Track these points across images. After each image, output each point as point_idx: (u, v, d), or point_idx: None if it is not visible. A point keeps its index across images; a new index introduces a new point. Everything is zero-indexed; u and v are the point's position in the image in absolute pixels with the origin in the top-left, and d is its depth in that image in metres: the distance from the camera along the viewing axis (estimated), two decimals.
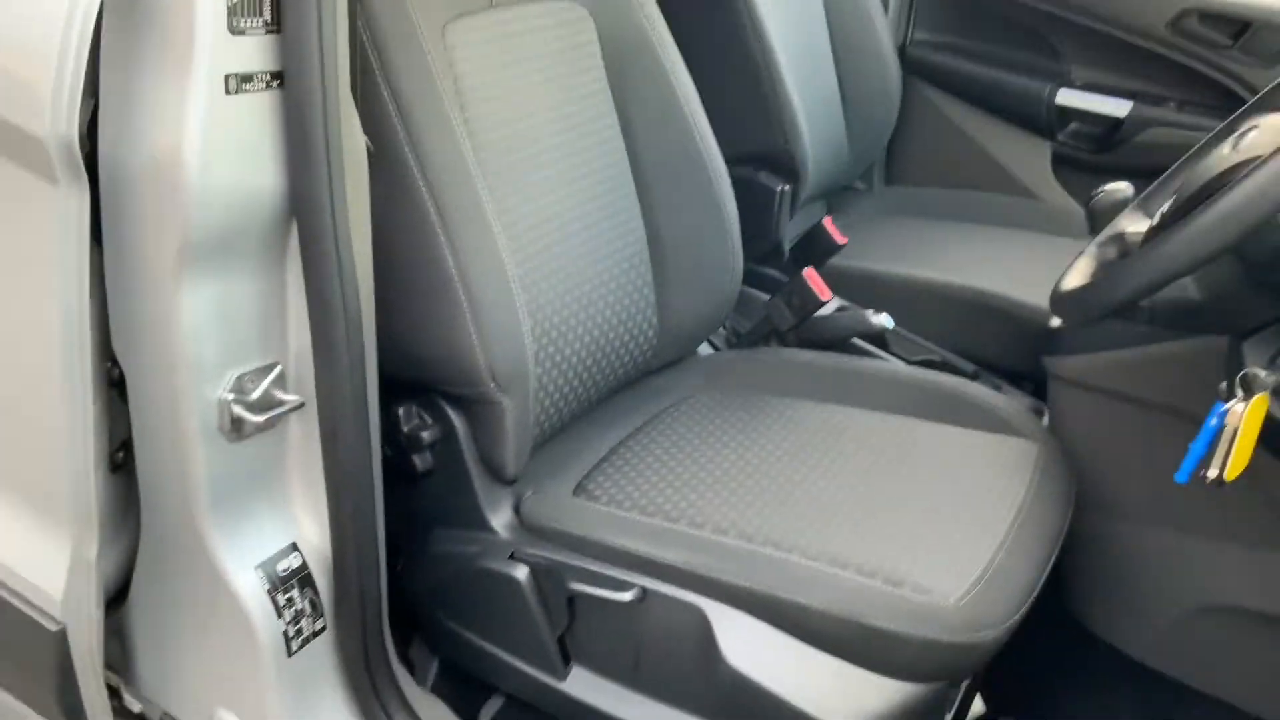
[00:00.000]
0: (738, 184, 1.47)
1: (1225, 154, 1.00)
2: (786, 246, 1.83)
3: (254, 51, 0.88)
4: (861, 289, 1.75)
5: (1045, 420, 1.58)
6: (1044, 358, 1.51)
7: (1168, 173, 1.21)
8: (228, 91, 0.87)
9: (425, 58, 1.12)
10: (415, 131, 1.08)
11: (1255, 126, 1.02)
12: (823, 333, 1.56)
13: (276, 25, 0.88)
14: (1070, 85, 2.15)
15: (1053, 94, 2.15)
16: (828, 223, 1.75)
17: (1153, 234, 1.04)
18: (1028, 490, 1.24)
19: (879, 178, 2.27)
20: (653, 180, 1.44)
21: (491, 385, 1.13)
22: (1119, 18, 2.08)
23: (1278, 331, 0.97)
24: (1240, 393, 0.93)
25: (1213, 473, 0.94)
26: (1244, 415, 0.91)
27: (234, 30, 0.86)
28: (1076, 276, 1.11)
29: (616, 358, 1.41)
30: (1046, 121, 2.16)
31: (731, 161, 1.47)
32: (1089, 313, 1.01)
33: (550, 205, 1.32)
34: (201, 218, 0.88)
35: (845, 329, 1.56)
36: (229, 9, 0.85)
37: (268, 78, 0.89)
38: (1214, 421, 0.94)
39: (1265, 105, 1.14)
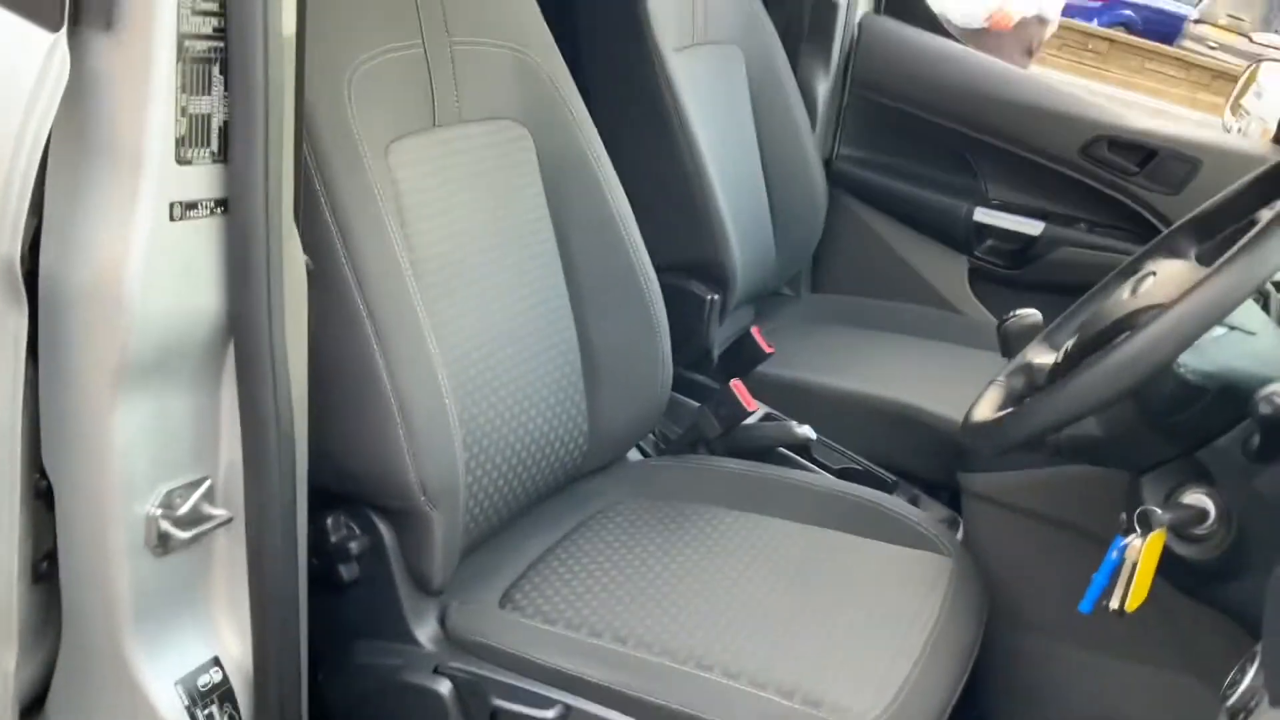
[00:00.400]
0: (668, 291, 1.52)
1: (1125, 298, 1.07)
2: (715, 353, 1.88)
3: (200, 180, 0.90)
4: (787, 397, 1.80)
5: (960, 532, 1.63)
6: (959, 473, 1.56)
7: (1072, 307, 1.28)
8: (172, 218, 0.89)
9: (367, 176, 1.15)
10: (355, 250, 1.11)
11: (1153, 273, 1.09)
12: (749, 442, 1.60)
13: (223, 156, 0.91)
14: (987, 204, 2.25)
15: (970, 212, 2.24)
16: (755, 332, 1.81)
17: (1056, 372, 1.10)
18: (942, 606, 1.28)
19: (805, 285, 2.35)
20: (586, 290, 1.48)
21: (422, 499, 1.14)
22: (1034, 142, 2.19)
23: (1174, 469, 1.02)
24: (1138, 529, 0.98)
25: (1114, 604, 0.98)
26: (1142, 550, 0.96)
27: (181, 161, 0.88)
28: (986, 407, 1.16)
29: (547, 464, 1.44)
30: (964, 237, 2.26)
31: (662, 269, 1.51)
32: (995, 446, 1.07)
33: (485, 316, 1.35)
34: (140, 339, 0.90)
35: (770, 439, 1.61)
36: (177, 141, 0.88)
37: (212, 204, 0.92)
38: (1114, 554, 0.99)
39: (1164, 249, 1.22)
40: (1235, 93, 2.37)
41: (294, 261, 0.98)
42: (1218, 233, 1.22)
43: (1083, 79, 10.77)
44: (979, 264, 2.27)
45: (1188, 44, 14.42)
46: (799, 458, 1.64)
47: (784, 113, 2.16)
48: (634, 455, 1.63)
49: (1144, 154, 2.11)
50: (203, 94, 0.89)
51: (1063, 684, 1.42)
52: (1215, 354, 0.93)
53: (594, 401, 1.49)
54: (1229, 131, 2.34)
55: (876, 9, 2.34)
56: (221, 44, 0.89)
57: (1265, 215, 1.10)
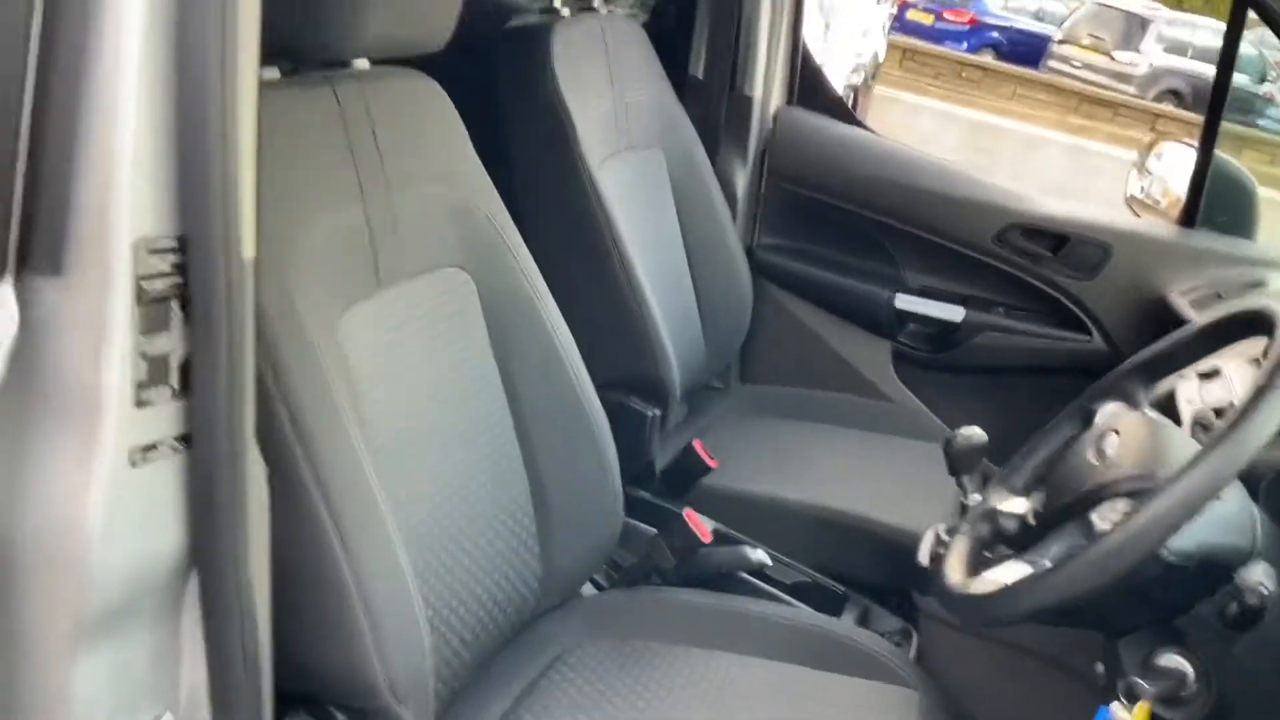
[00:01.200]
0: (608, 408, 1.50)
1: (1093, 461, 1.08)
2: (658, 468, 1.86)
3: (160, 420, 0.85)
4: (734, 511, 1.79)
5: (914, 644, 1.65)
6: (915, 594, 1.58)
7: (1026, 449, 1.30)
8: (132, 464, 0.83)
9: (319, 363, 1.11)
10: (312, 450, 1.06)
11: (1115, 430, 1.11)
12: (703, 569, 1.59)
13: (184, 391, 0.86)
14: (908, 290, 2.29)
15: (891, 298, 2.28)
16: (698, 446, 1.80)
17: (1030, 531, 1.11)
18: None
19: (734, 376, 2.35)
20: (535, 429, 1.45)
21: (390, 699, 1.10)
22: (949, 230, 2.24)
23: (1150, 632, 1.04)
24: (1124, 700, 0.99)
25: None
26: None
27: (140, 404, 0.83)
28: (959, 566, 1.17)
29: (502, 614, 1.40)
30: (887, 323, 2.29)
31: (601, 386, 1.50)
32: (985, 622, 1.07)
33: (438, 479, 1.32)
34: (101, 593, 0.84)
35: (724, 565, 1.60)
36: (136, 385, 0.82)
37: (173, 442, 0.86)
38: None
39: (1113, 391, 1.25)
40: (1139, 159, 2.45)
41: (257, 485, 0.93)
42: (1163, 378, 1.26)
43: (960, 108, 11.14)
44: (903, 349, 2.30)
45: (1053, 64, 15.06)
46: (755, 580, 1.63)
47: (706, 208, 2.17)
48: (588, 589, 1.60)
49: (1056, 240, 2.18)
50: (161, 332, 0.84)
51: None
52: (1192, 530, 0.95)
53: (547, 542, 1.46)
54: (1140, 194, 2.41)
55: (790, 100, 2.37)
56: (181, 279, 0.84)
57: (1230, 370, 1.14)
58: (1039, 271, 2.19)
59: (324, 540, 1.07)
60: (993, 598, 1.02)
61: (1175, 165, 2.36)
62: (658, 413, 1.84)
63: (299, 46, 1.17)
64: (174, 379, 0.85)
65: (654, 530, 1.69)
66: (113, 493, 0.83)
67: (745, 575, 1.63)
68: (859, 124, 2.38)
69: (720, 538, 1.63)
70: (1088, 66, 14.72)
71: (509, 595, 1.40)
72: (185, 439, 0.87)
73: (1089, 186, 7.76)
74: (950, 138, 9.38)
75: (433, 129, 1.38)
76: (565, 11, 1.89)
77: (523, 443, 1.45)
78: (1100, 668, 1.11)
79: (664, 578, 1.60)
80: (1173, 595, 0.98)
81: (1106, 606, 1.02)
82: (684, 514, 1.57)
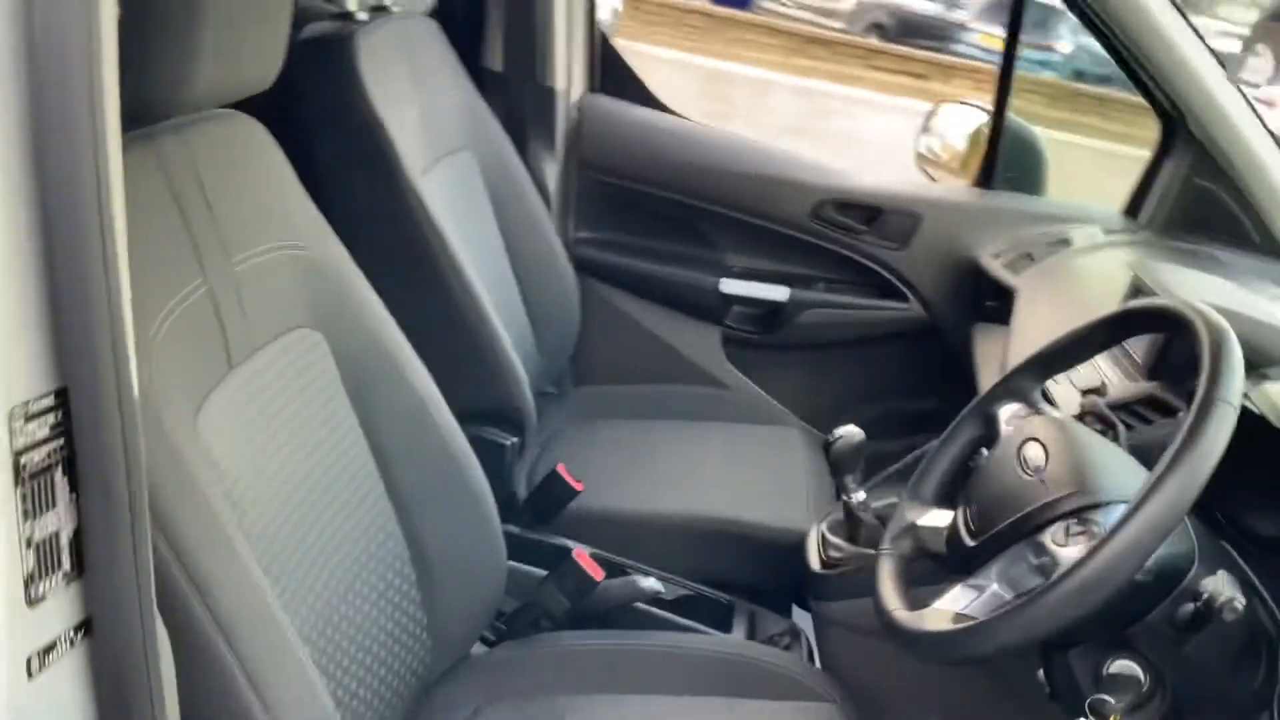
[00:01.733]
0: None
1: (1019, 473, 1.07)
2: (521, 497, 1.76)
3: (57, 612, 0.69)
4: (605, 531, 1.72)
5: (806, 642, 1.64)
6: (811, 601, 1.57)
7: (929, 457, 1.29)
8: (30, 675, 0.68)
9: (190, 475, 0.95)
10: (204, 583, 0.91)
11: (1035, 438, 1.11)
12: (597, 607, 1.51)
13: (79, 569, 0.70)
14: (731, 274, 2.27)
15: (716, 283, 2.26)
16: (562, 470, 1.71)
17: (964, 548, 1.10)
18: None
19: (569, 379, 2.27)
20: (408, 488, 1.33)
21: None
22: (764, 210, 2.23)
23: (1101, 641, 1.05)
24: (1090, 717, 1.00)
25: None
26: None
27: (32, 601, 0.67)
28: (893, 591, 1.15)
29: (392, 691, 1.29)
30: (714, 309, 2.27)
31: (459, 420, 1.39)
32: (957, 660, 1.05)
33: (321, 559, 1.19)
34: None
35: (618, 600, 1.53)
36: (25, 580, 0.66)
37: (72, 634, 0.71)
38: None
39: (1008, 393, 1.25)
40: (924, 122, 2.51)
41: (166, 658, 0.78)
42: (1054, 374, 1.27)
43: (692, 56, 11.31)
44: (732, 333, 2.28)
45: (766, 4, 15.53)
46: (649, 608, 1.58)
47: (523, 209, 2.06)
48: (478, 648, 1.49)
49: (869, 212, 2.21)
50: (48, 509, 0.68)
51: None
52: None
53: (432, 605, 1.36)
54: (927, 153, 2.47)
55: (592, 88, 2.28)
56: (62, 441, 0.68)
57: None
58: (855, 244, 2.22)
59: (229, 681, 0.92)
60: (963, 635, 0.99)
61: (955, 124, 2.45)
62: (516, 440, 1.74)
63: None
64: (66, 559, 0.70)
65: (534, 570, 1.60)
66: (8, 714, 0.67)
67: (644, 607, 1.57)
68: (664, 107, 2.32)
69: (606, 568, 1.55)
70: (799, 4, 15.25)
71: (402, 667, 1.30)
72: (85, 624, 0.72)
73: (825, 127, 8.08)
74: (688, 88, 9.51)
75: (262, 176, 1.22)
76: (362, 15, 1.72)
77: (396, 504, 1.33)
78: (1042, 675, 1.12)
79: (554, 621, 1.51)
80: (1131, 608, 0.99)
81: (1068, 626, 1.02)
82: (574, 555, 1.48)
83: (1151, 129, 2.14)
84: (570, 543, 1.69)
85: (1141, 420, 1.30)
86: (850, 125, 9.27)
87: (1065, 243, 2.07)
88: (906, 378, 2.28)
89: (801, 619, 1.73)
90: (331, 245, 1.30)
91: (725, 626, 1.66)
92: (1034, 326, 1.79)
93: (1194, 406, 0.95)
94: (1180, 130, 2.08)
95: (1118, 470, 1.06)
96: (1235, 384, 0.96)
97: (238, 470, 1.08)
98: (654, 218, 2.27)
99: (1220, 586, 0.96)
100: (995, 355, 1.98)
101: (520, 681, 1.41)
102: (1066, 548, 1.00)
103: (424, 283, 1.66)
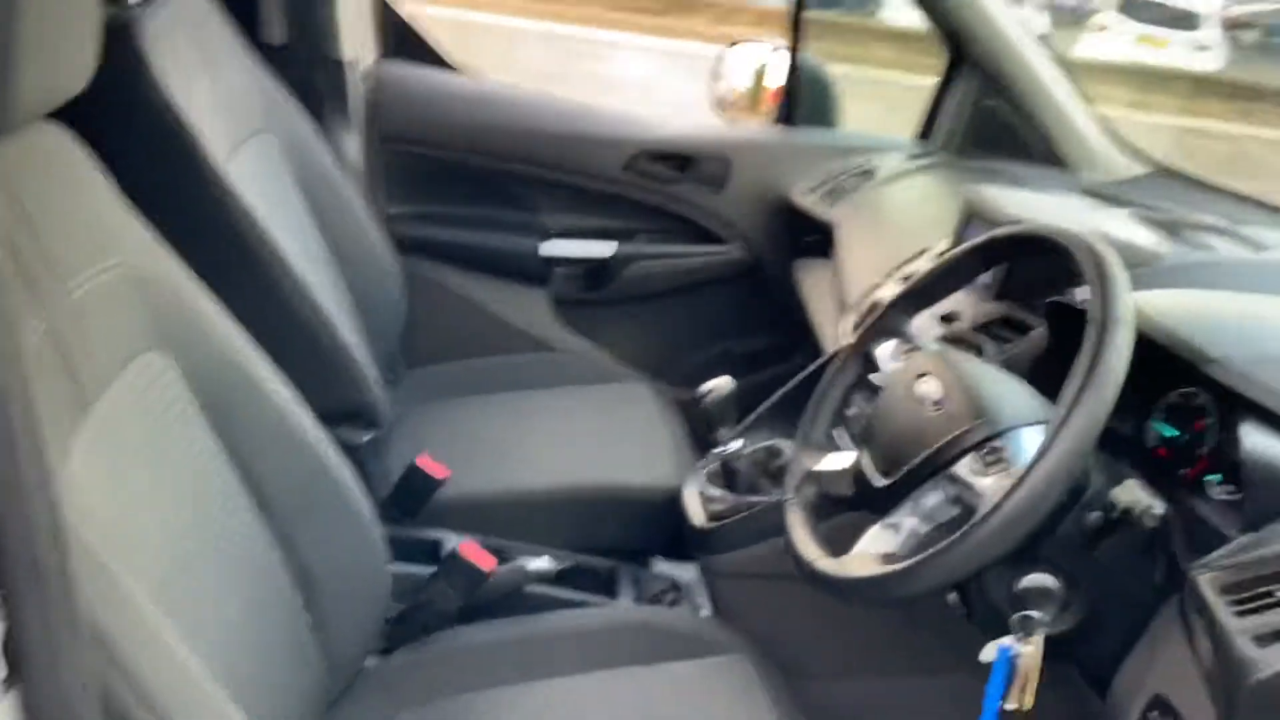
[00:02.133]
0: None
1: (925, 412, 1.10)
2: (383, 496, 1.68)
3: None
4: (476, 517, 1.67)
5: (691, 596, 1.65)
6: (698, 556, 1.57)
7: (813, 402, 1.30)
8: None
9: (83, 544, 0.84)
10: (110, 642, 0.82)
11: (925, 373, 1.14)
12: (490, 597, 1.47)
13: (16, 675, 0.61)
14: (552, 235, 2.23)
15: (537, 246, 2.21)
16: (423, 462, 1.64)
17: (871, 489, 1.12)
18: (768, 702, 1.30)
19: (400, 364, 2.17)
20: (282, 508, 1.24)
21: None
22: (577, 166, 2.20)
23: (1010, 562, 1.10)
24: (1020, 632, 1.05)
25: (1013, 705, 1.05)
26: (1033, 654, 1.03)
27: None
28: (807, 539, 1.16)
29: (299, 718, 1.22)
30: (539, 272, 2.23)
31: None
32: (891, 602, 1.07)
33: (210, 592, 1.11)
34: None
35: (513, 585, 1.49)
36: None
37: None
38: (1001, 662, 1.05)
39: (883, 330, 1.28)
40: (715, 66, 2.52)
41: None
42: (927, 308, 1.31)
43: (427, 4, 10.95)
44: (560, 295, 2.25)
45: None
46: (549, 589, 1.54)
47: (331, 189, 1.94)
48: (371, 660, 1.42)
49: (682, 161, 2.21)
50: None
51: (871, 709, 1.51)
52: None
53: (323, 625, 1.28)
54: (719, 95, 2.49)
55: (384, 53, 2.17)
56: None
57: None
58: (671, 192, 2.22)
59: None
60: (901, 575, 1.02)
61: (746, 65, 2.48)
62: (370, 437, 1.65)
63: None
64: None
65: (412, 568, 1.54)
66: None
67: (540, 589, 1.53)
68: (459, 69, 2.23)
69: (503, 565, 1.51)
70: None
71: (305, 691, 1.23)
72: None
73: (577, 71, 8.06)
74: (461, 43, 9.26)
75: (81, 190, 1.10)
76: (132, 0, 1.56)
77: (272, 524, 1.24)
78: (954, 597, 1.17)
79: (447, 619, 1.46)
80: (1046, 524, 1.04)
81: None
82: (460, 548, 1.43)
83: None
84: (444, 534, 1.63)
85: (999, 340, 1.36)
86: (603, 68, 9.30)
87: (871, 173, 2.14)
88: (735, 319, 2.32)
89: (683, 574, 1.74)
90: (161, 256, 1.18)
91: (611, 592, 1.65)
92: (862, 258, 1.85)
93: (1092, 329, 1.00)
94: (966, 54, 2.18)
95: (1011, 396, 1.10)
96: (1127, 301, 1.01)
97: (116, 517, 0.98)
98: (466, 185, 2.19)
99: (1135, 496, 1.02)
100: (822, 288, 2.04)
101: (424, 687, 1.35)
102: (985, 478, 1.03)
103: (249, 280, 1.53)
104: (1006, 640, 1.06)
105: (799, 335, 2.27)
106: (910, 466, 1.09)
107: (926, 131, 2.31)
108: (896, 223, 1.93)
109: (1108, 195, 1.97)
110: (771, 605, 1.53)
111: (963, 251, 1.24)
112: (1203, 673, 0.96)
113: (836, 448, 1.27)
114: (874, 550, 1.09)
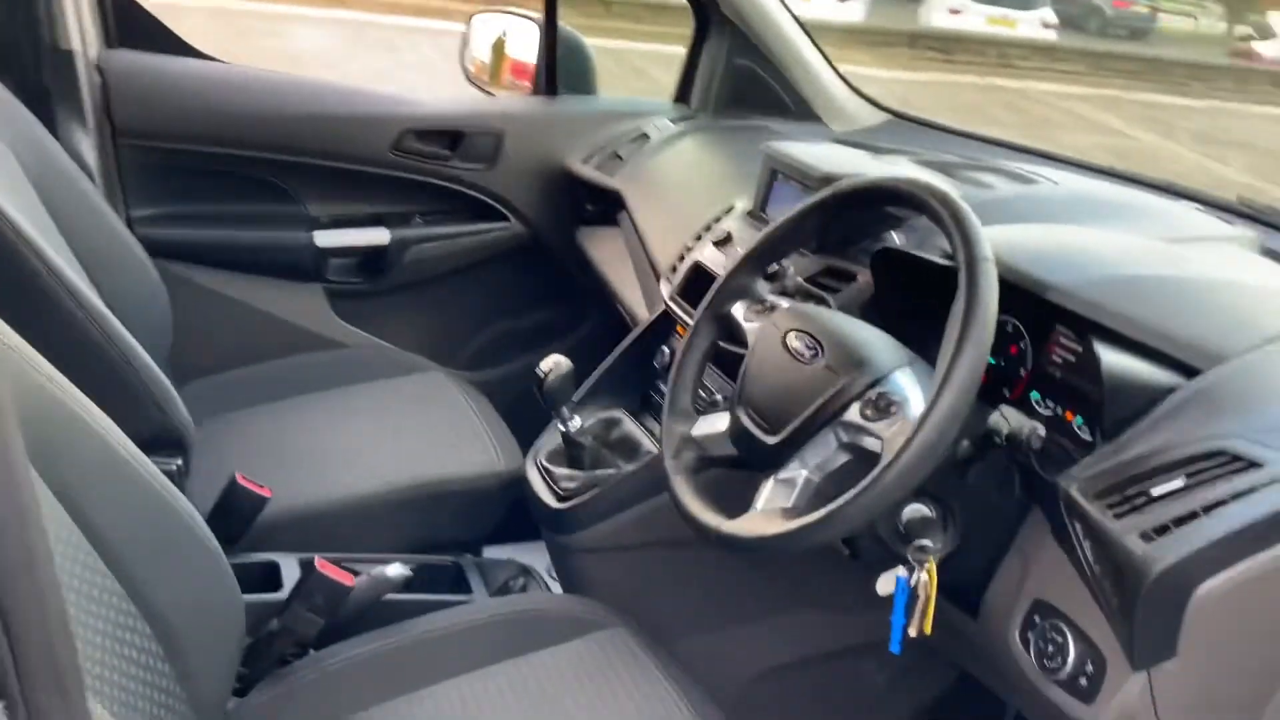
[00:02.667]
0: None
1: (807, 368, 1.14)
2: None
3: None
4: (304, 533, 1.57)
5: (540, 578, 1.64)
6: (553, 537, 1.56)
7: (675, 370, 1.31)
8: None
9: None
10: None
11: (796, 329, 1.18)
12: (348, 613, 1.39)
13: None
14: (322, 226, 2.11)
15: (309, 239, 2.09)
16: (242, 479, 1.52)
17: (753, 439, 1.15)
18: (657, 668, 1.32)
19: (171, 379, 1.99)
20: (123, 547, 1.12)
21: None
22: (341, 151, 2.09)
23: None
24: (914, 562, 1.11)
25: (914, 631, 1.11)
26: (929, 581, 1.10)
27: None
28: (697, 504, 1.17)
29: None
30: (313, 267, 2.10)
31: None
32: (797, 550, 1.09)
33: (75, 659, 0.97)
34: None
35: (374, 597, 1.41)
36: None
37: None
38: (900, 592, 1.11)
39: (733, 293, 1.31)
40: (464, 38, 2.46)
41: None
42: (772, 265, 1.35)
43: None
44: (336, 288, 2.14)
45: None
46: (401, 597, 1.47)
47: (74, 195, 1.74)
48: (232, 703, 1.31)
49: (451, 137, 2.15)
50: None
51: (713, 662, 1.55)
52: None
53: (185, 671, 1.17)
54: (470, 67, 2.44)
55: (109, 43, 1.96)
56: None
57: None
58: (444, 171, 2.15)
59: None
60: (815, 526, 1.04)
61: (484, 36, 2.45)
62: (180, 463, 1.50)
63: None
64: None
65: (251, 597, 1.43)
66: None
67: (400, 597, 1.46)
68: (198, 53, 2.06)
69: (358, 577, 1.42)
70: None
71: None
72: None
73: (249, 48, 7.64)
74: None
75: None
76: None
77: (116, 570, 1.11)
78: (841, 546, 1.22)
79: (305, 644, 1.37)
80: None
81: None
82: (317, 565, 1.34)
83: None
84: (278, 556, 1.52)
85: (829, 290, 1.42)
86: (278, 44, 8.84)
87: (644, 137, 2.17)
88: (521, 294, 2.29)
89: (521, 558, 1.71)
90: None
91: (463, 588, 1.61)
92: (663, 222, 1.88)
93: (962, 271, 1.06)
94: (714, 16, 2.24)
95: (879, 342, 1.16)
96: (985, 239, 1.08)
97: None
98: (220, 180, 2.03)
99: (1017, 421, 1.10)
100: (613, 254, 2.05)
101: (307, 717, 1.26)
102: (879, 422, 1.07)
103: (27, 302, 1.36)
104: (900, 571, 1.12)
105: (586, 304, 2.28)
106: (798, 422, 1.12)
107: (683, 95, 2.36)
108: (688, 184, 1.97)
109: (862, 144, 2.09)
110: (634, 574, 1.54)
111: (809, 207, 1.28)
112: (1086, 575, 1.05)
113: (701, 413, 1.28)
114: (775, 505, 1.11)
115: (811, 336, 1.17)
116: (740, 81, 2.30)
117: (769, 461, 1.15)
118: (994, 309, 1.04)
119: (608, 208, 2.12)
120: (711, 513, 1.16)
